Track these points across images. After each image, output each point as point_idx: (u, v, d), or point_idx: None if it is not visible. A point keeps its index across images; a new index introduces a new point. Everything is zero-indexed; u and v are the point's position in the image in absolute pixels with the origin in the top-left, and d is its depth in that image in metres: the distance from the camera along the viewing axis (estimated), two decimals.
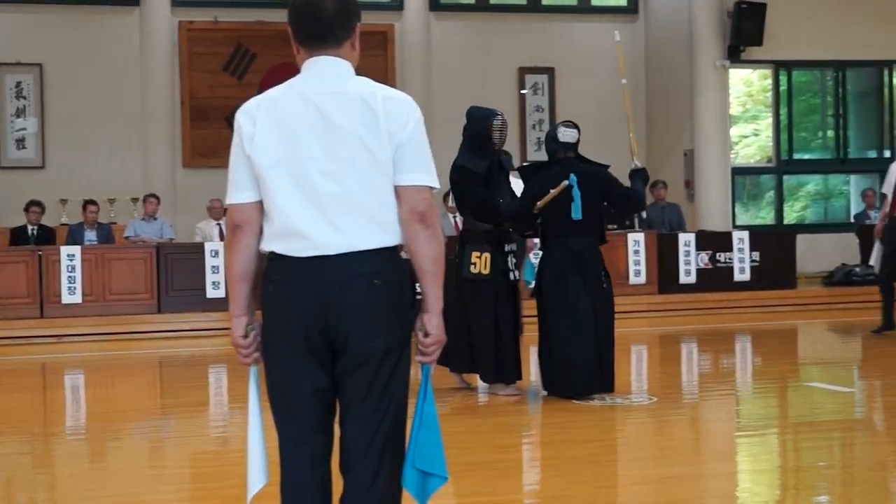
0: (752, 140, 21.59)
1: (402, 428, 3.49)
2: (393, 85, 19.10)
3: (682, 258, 16.42)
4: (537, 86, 20.01)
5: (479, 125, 8.80)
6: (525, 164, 9.49)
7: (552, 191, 8.38)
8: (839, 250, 18.55)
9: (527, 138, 19.84)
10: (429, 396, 3.46)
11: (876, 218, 14.02)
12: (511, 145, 19.53)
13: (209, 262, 15.20)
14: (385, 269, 3.40)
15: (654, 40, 21.04)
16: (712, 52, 19.25)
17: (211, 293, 15.16)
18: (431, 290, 3.43)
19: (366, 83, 3.44)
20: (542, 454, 6.70)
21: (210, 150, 19.15)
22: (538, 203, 8.44)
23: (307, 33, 3.47)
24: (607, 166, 8.77)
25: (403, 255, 3.49)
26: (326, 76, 3.44)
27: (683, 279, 16.48)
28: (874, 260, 12.40)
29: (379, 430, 3.42)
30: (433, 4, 19.83)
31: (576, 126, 8.74)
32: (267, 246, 3.45)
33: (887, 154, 20.22)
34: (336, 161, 3.37)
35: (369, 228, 3.38)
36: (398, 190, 3.41)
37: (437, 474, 3.45)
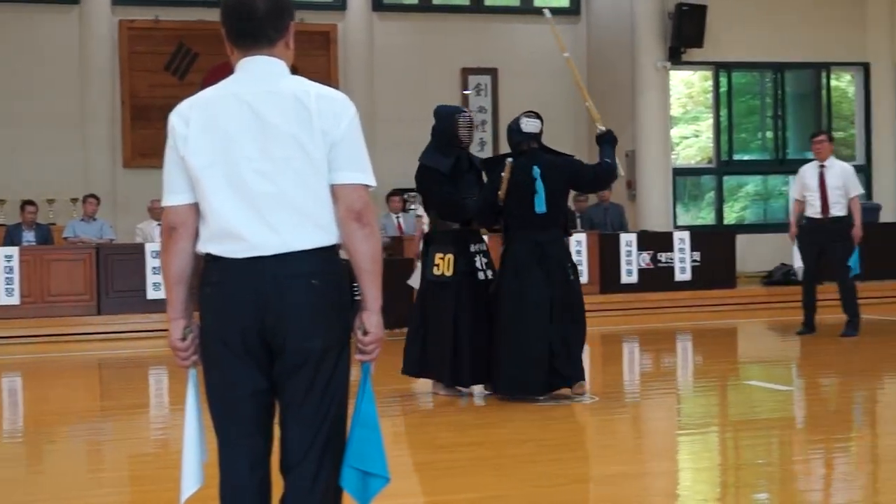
0: (693, 141, 21.78)
1: (343, 428, 3.47)
2: (336, 85, 19.11)
3: (623, 258, 16.52)
4: (480, 86, 20.05)
5: (445, 122, 8.68)
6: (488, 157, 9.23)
7: (503, 175, 8.31)
8: (778, 250, 18.73)
9: None
10: (367, 395, 3.44)
11: None
12: None
13: (150, 262, 15.08)
14: (322, 268, 3.38)
15: (595, 41, 21.14)
16: (653, 54, 19.38)
17: (151, 294, 15.05)
18: (370, 288, 3.42)
19: (300, 82, 3.42)
20: (484, 454, 6.70)
21: (151, 151, 18.97)
22: (499, 193, 8.36)
23: (239, 33, 3.45)
24: (571, 156, 8.73)
25: (342, 254, 3.47)
26: (260, 76, 3.42)
27: (625, 279, 16.59)
28: (795, 264, 12.49)
29: (319, 431, 3.40)
30: (376, 4, 19.81)
31: (538, 116, 8.66)
32: (203, 248, 3.43)
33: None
34: (271, 160, 3.34)
35: (305, 228, 3.36)
36: (334, 189, 3.39)
37: (377, 474, 3.43)
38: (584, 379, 8.44)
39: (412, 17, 20.29)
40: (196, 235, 3.45)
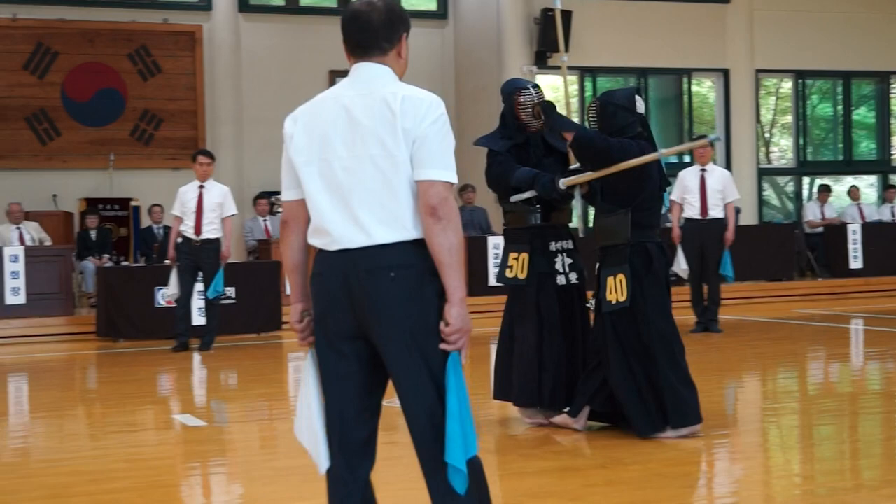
0: None
1: (441, 413, 3.58)
2: (201, 86, 18.89)
3: (491, 261, 16.62)
4: None
5: (506, 103, 7.54)
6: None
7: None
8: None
9: None
10: (460, 383, 3.55)
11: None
12: None
13: (8, 267, 14.65)
14: (401, 261, 3.56)
15: (463, 45, 21.25)
16: (520, 58, 19.57)
17: (10, 300, 14.64)
18: (450, 280, 3.55)
19: (396, 86, 3.63)
20: None
21: (8, 152, 18.52)
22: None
23: (354, 43, 3.73)
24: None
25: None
26: (362, 80, 3.67)
27: (493, 282, 16.68)
28: (679, 266, 12.77)
29: (430, 417, 3.57)
30: (242, 6, 19.61)
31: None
32: (309, 241, 3.74)
33: (687, 159, 20.87)
34: (357, 158, 3.58)
35: (387, 223, 3.56)
36: (416, 185, 3.57)
37: (458, 468, 3.54)
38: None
39: (279, 19, 20.14)
40: (305, 228, 3.73)
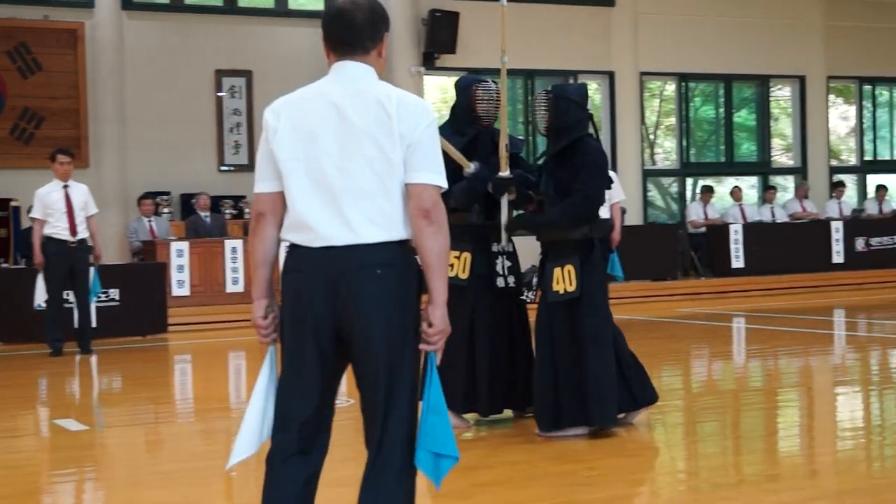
0: None
1: (413, 413, 3.68)
2: (84, 85, 18.53)
3: None
4: (235, 88, 19.75)
5: (462, 95, 7.52)
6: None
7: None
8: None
9: (224, 141, 19.55)
10: (434, 383, 3.65)
11: None
12: (208, 148, 19.29)
13: None
14: (389, 260, 3.61)
15: None
16: (408, 59, 19.60)
17: None
18: (436, 282, 3.63)
19: (385, 87, 3.69)
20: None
21: None
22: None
23: (337, 41, 3.76)
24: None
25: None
26: (349, 79, 3.71)
27: None
28: None
29: (388, 417, 3.62)
30: (125, 3, 19.27)
31: None
32: (284, 236, 3.72)
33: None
34: (350, 158, 3.62)
35: (377, 222, 3.61)
36: (407, 187, 3.64)
37: (448, 455, 3.65)
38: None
39: (163, 17, 19.84)
40: (281, 222, 3.73)
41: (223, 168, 19.35)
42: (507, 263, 7.40)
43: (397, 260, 3.63)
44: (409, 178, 3.63)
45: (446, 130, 7.36)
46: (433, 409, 3.63)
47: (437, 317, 3.63)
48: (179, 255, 15.95)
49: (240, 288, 16.27)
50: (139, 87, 18.88)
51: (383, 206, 3.61)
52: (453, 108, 7.62)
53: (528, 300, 7.30)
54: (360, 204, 3.60)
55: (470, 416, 7.41)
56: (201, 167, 19.07)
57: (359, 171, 3.60)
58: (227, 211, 18.32)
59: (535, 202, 7.30)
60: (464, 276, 7.20)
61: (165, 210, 18.06)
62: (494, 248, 7.36)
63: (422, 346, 3.66)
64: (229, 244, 16.38)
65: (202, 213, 17.31)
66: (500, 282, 7.34)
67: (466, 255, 7.23)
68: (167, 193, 18.44)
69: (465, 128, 7.41)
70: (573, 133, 7.07)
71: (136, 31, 19.17)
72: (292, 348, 3.70)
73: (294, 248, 3.68)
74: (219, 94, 19.45)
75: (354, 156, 3.61)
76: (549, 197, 7.11)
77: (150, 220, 17.15)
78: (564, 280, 6.89)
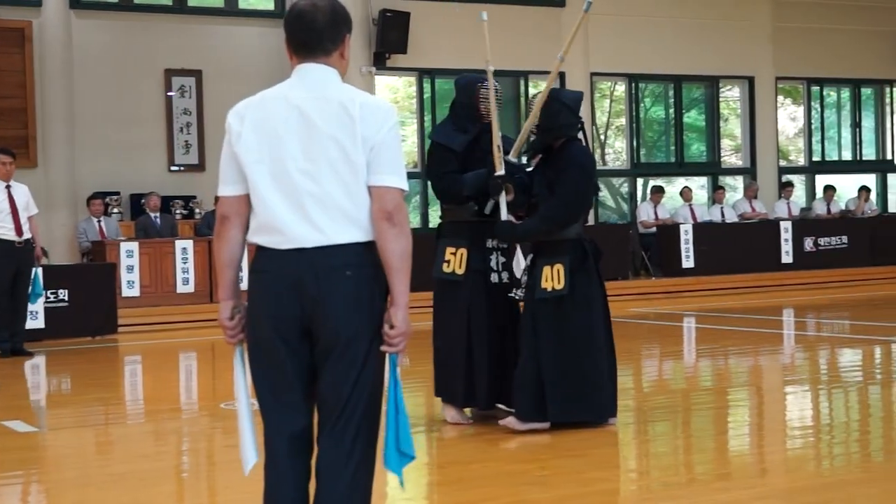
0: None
1: (376, 413, 3.70)
2: (32, 84, 18.34)
3: None
4: (184, 88, 19.63)
5: (464, 93, 7.61)
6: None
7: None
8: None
9: (174, 141, 19.42)
10: (396, 384, 3.67)
11: None
12: (158, 148, 19.16)
13: None
14: (357, 261, 3.62)
15: None
16: (358, 59, 19.56)
17: None
18: (398, 284, 3.64)
19: (348, 90, 3.70)
20: (187, 461, 6.58)
21: None
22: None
23: (299, 43, 3.75)
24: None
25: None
26: (312, 82, 3.71)
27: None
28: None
29: (352, 417, 3.63)
30: (73, 2, 19.11)
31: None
32: (252, 238, 3.72)
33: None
34: (313, 161, 3.61)
35: (343, 224, 3.62)
36: (370, 189, 3.64)
37: (410, 455, 3.70)
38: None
39: (112, 16, 19.68)
40: (246, 225, 3.74)
41: (173, 168, 19.23)
42: (502, 259, 7.51)
43: (366, 261, 3.64)
44: (371, 181, 3.64)
45: (448, 127, 7.58)
46: (401, 410, 3.66)
47: (399, 318, 3.64)
48: (129, 256, 15.84)
49: (190, 288, 16.20)
50: (88, 87, 18.73)
51: (348, 208, 3.62)
52: (452, 106, 7.75)
53: (518, 297, 7.35)
54: (325, 206, 3.60)
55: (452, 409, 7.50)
56: (151, 167, 18.95)
57: (323, 173, 3.61)
58: (178, 211, 18.22)
59: (524, 209, 7.36)
60: (460, 271, 7.34)
61: (115, 210, 17.93)
62: (489, 243, 7.45)
63: (384, 348, 3.66)
64: (179, 244, 16.28)
65: (152, 214, 17.22)
66: (494, 277, 7.44)
67: (463, 251, 7.37)
68: (117, 193, 18.32)
69: (468, 125, 7.53)
70: (559, 133, 7.19)
71: (84, 31, 19.01)
72: (257, 349, 3.71)
73: (261, 250, 3.69)
74: (168, 93, 19.33)
75: (318, 159, 3.61)
76: (542, 197, 7.21)
77: (99, 221, 17.00)
78: (553, 278, 7.01)
